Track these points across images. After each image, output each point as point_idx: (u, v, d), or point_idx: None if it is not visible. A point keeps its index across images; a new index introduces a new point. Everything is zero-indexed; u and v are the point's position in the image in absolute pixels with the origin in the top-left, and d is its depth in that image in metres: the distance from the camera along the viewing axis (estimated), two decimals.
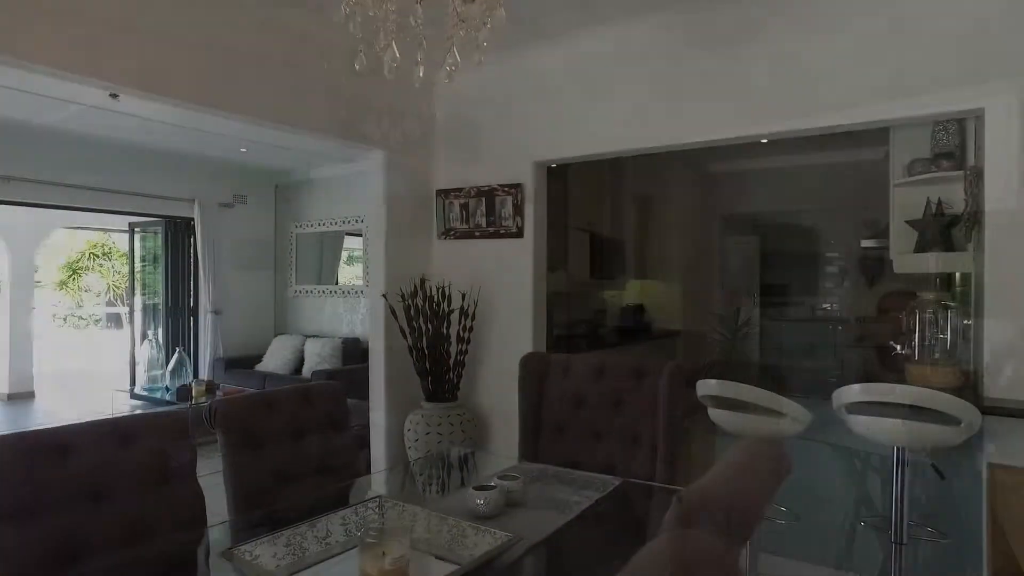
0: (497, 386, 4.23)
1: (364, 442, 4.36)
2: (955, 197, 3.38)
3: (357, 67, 1.94)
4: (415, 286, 4.12)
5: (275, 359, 7.29)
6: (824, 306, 9.22)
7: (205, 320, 7.33)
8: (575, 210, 5.40)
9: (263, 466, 2.16)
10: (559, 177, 5.32)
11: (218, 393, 5.69)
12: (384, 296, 4.12)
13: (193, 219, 7.20)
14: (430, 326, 4.00)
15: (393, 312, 4.06)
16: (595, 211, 5.69)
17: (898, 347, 3.26)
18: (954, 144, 3.36)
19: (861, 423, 2.68)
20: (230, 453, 2.10)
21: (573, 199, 5.38)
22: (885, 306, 6.68)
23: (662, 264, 6.77)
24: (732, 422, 2.97)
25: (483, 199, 4.27)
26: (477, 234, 4.32)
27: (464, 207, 4.36)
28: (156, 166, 6.92)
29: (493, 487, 1.91)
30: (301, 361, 7.22)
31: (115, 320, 10.71)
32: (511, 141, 4.20)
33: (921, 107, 2.97)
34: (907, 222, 3.50)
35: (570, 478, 2.30)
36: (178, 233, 7.28)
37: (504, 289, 4.22)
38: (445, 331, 4.08)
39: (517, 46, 4.07)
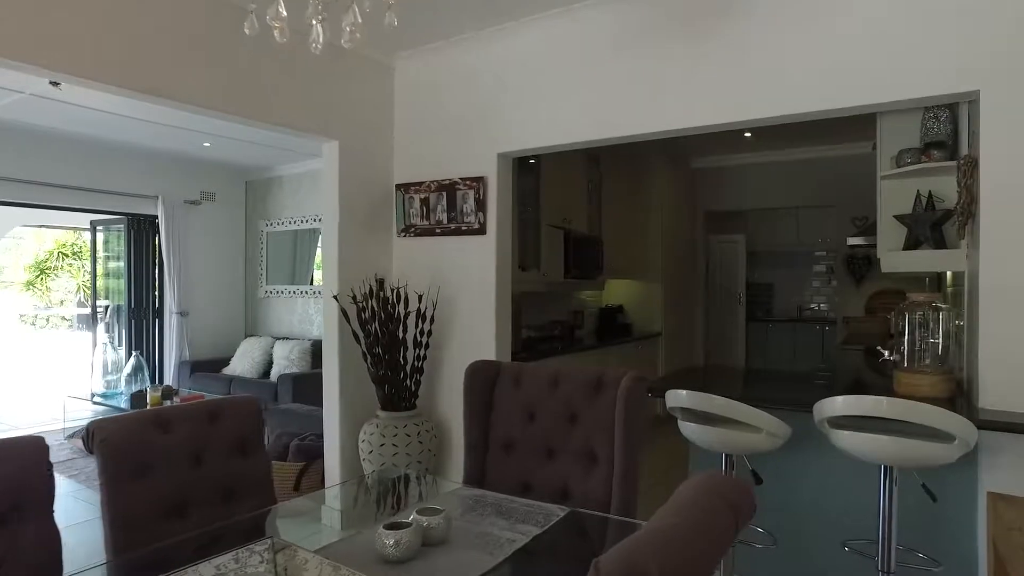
0: (459, 394, 3.90)
1: (317, 453, 4.04)
2: (947, 190, 3.09)
3: (247, 31, 1.62)
4: (371, 287, 3.80)
5: (243, 362, 6.96)
6: (811, 306, 8.95)
7: (170, 322, 6.99)
8: (549, 206, 5.09)
9: (150, 497, 1.84)
10: (531, 172, 5.01)
11: (175, 399, 5.36)
12: (335, 297, 3.80)
13: (157, 217, 6.85)
14: (384, 330, 3.68)
15: (345, 315, 3.74)
16: (571, 208, 5.39)
17: (886, 352, 2.96)
18: (946, 133, 3.06)
19: (845, 439, 2.37)
20: (109, 482, 1.78)
21: (547, 195, 5.07)
22: (873, 306, 6.41)
23: (643, 263, 6.47)
24: (704, 437, 2.66)
25: (444, 193, 3.96)
26: (438, 231, 4.01)
27: (424, 202, 4.05)
28: (118, 162, 6.57)
29: (408, 524, 1.60)
30: (270, 364, 6.89)
31: (86, 321, 10.33)
32: (474, 131, 3.88)
33: (911, 90, 2.67)
34: (896, 217, 3.20)
35: (510, 507, 1.99)
36: (142, 231, 6.94)
37: (466, 290, 3.90)
38: (401, 335, 3.76)
39: (480, 30, 3.75)
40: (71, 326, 9.85)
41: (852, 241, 5.08)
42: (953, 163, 2.91)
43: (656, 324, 6.38)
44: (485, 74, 3.82)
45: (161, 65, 3.02)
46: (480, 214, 3.82)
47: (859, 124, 5.43)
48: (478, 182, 3.81)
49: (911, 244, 3.12)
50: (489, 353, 3.78)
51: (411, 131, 4.16)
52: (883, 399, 2.25)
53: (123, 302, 6.94)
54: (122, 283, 6.99)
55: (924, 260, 3.04)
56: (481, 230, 3.83)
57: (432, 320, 3.83)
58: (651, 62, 3.27)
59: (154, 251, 7.03)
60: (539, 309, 5.56)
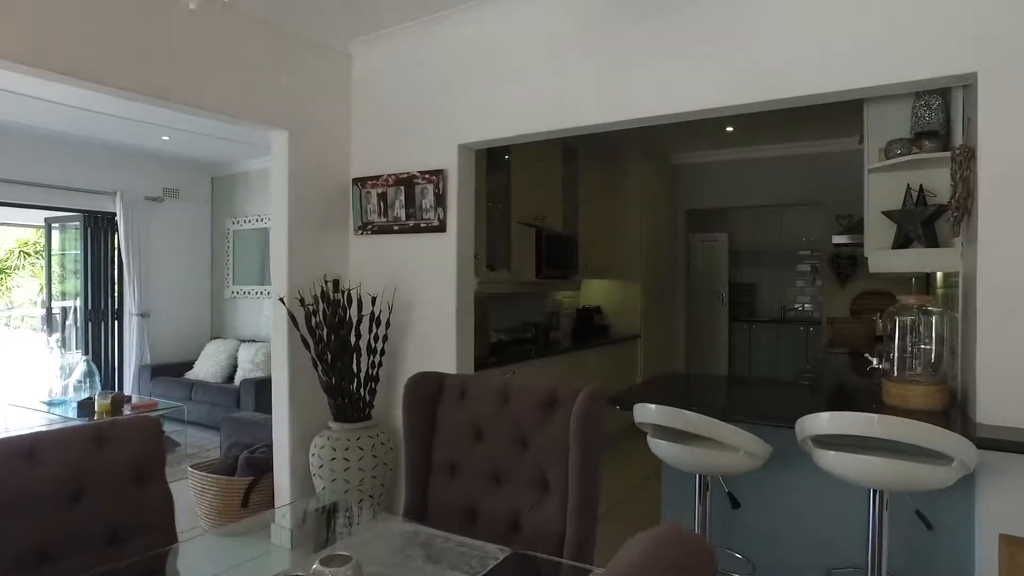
0: None
1: (268, 466, 3.73)
2: (940, 184, 2.83)
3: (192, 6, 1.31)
4: (323, 288, 3.49)
5: (207, 366, 6.63)
6: (795, 307, 8.71)
7: (131, 324, 6.64)
8: (521, 203, 4.80)
9: (11, 544, 1.53)
10: (501, 167, 4.72)
11: (126, 409, 5.03)
12: (281, 300, 3.49)
13: (116, 214, 6.50)
14: (334, 335, 3.37)
15: (293, 319, 3.43)
16: (545, 205, 5.10)
17: (874, 360, 2.70)
18: (938, 121, 2.80)
19: (831, 461, 2.10)
20: None
21: (519, 191, 4.78)
22: (858, 308, 6.17)
23: (622, 262, 6.20)
24: (675, 456, 2.38)
25: (402, 188, 3.66)
26: (396, 228, 3.71)
27: (382, 198, 3.75)
28: (73, 156, 6.22)
29: None
30: (235, 368, 6.56)
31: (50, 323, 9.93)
32: (433, 121, 3.59)
33: (902, 72, 2.41)
34: (884, 213, 2.94)
35: (443, 549, 1.70)
36: (100, 229, 6.58)
37: (425, 292, 3.61)
38: (354, 341, 3.46)
39: (441, 14, 3.46)
40: (34, 328, 9.41)
41: (837, 240, 4.83)
42: (946, 154, 2.64)
43: (635, 326, 6.11)
44: (445, 61, 3.53)
45: (75, 43, 2.70)
46: (440, 210, 3.53)
47: (845, 117, 5.18)
48: (437, 176, 3.52)
49: (901, 242, 2.86)
50: (449, 360, 3.49)
51: (370, 122, 3.86)
52: (874, 417, 1.98)
53: (80, 303, 6.58)
54: (79, 283, 6.63)
55: (915, 259, 2.77)
56: (441, 227, 3.54)
57: (388, 325, 3.53)
58: (620, 45, 2.99)
59: (113, 250, 6.68)
60: (511, 311, 5.27)
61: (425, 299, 3.60)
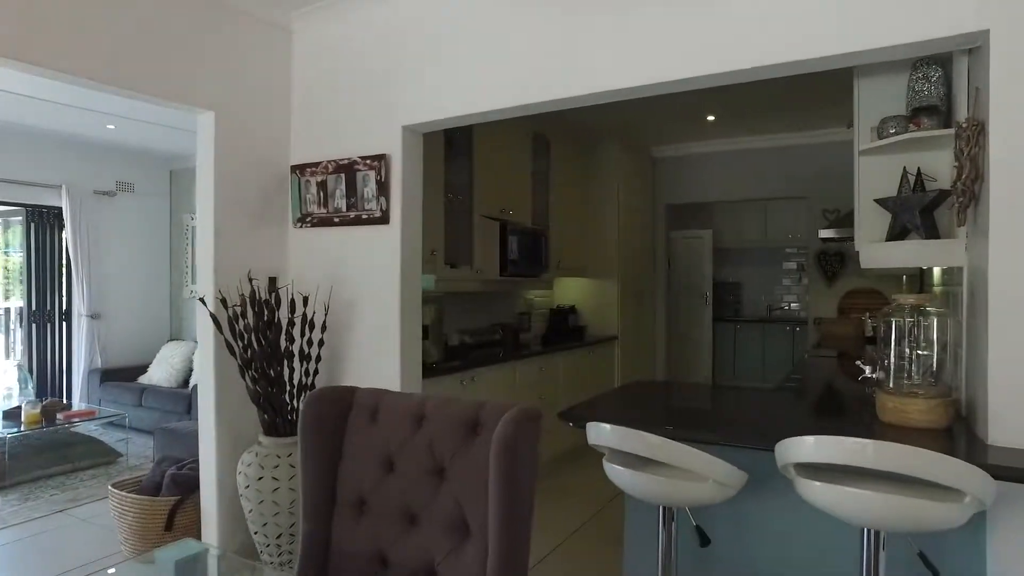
0: None
1: (197, 484, 3.32)
2: (941, 167, 2.46)
3: None
4: (252, 287, 3.09)
5: (161, 370, 6.19)
6: (781, 306, 8.36)
7: (79, 325, 6.20)
8: (485, 195, 4.41)
9: None
10: (463, 156, 4.33)
11: (60, 417, 4.60)
12: (202, 300, 3.08)
13: (62, 208, 6.06)
14: (262, 339, 2.97)
15: (216, 322, 3.02)
16: (512, 197, 4.71)
17: (867, 369, 2.32)
18: (938, 96, 2.42)
19: (818, 494, 1.72)
20: None
21: (482, 182, 4.39)
22: (846, 307, 5.81)
23: (597, 259, 5.81)
24: (635, 484, 2.00)
25: (342, 176, 3.26)
26: (336, 220, 3.31)
27: (322, 186, 3.35)
28: (13, 146, 5.77)
29: None
30: (191, 371, 6.13)
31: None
32: (376, 101, 3.20)
33: (899, 33, 2.03)
34: (877, 201, 2.56)
35: None
36: (44, 224, 6.14)
37: (368, 290, 3.21)
38: (286, 345, 3.06)
39: None
40: None
41: (824, 234, 4.46)
42: (949, 131, 2.27)
43: (612, 327, 5.73)
44: (391, 34, 3.14)
45: (8, 23, 2.29)
46: (382, 199, 3.13)
47: (832, 104, 4.83)
48: (379, 161, 3.12)
49: (896, 234, 2.48)
50: (393, 366, 3.10)
51: (312, 104, 3.45)
52: (868, 444, 1.60)
53: (23, 303, 6.13)
54: (22, 281, 6.18)
55: (913, 253, 2.40)
56: (383, 219, 3.14)
57: (324, 328, 3.14)
58: (575, 15, 2.60)
59: (60, 247, 6.23)
60: (477, 311, 4.88)
61: (368, 298, 3.21)
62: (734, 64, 2.30)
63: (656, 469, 1.96)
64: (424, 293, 3.73)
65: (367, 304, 3.21)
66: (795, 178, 5.93)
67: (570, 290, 5.92)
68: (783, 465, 1.82)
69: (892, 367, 2.28)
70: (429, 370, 3.50)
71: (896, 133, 2.43)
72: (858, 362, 2.36)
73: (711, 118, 5.34)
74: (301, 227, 3.45)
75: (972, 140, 2.00)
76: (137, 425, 5.55)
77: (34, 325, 6.11)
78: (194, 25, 3.05)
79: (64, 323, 6.27)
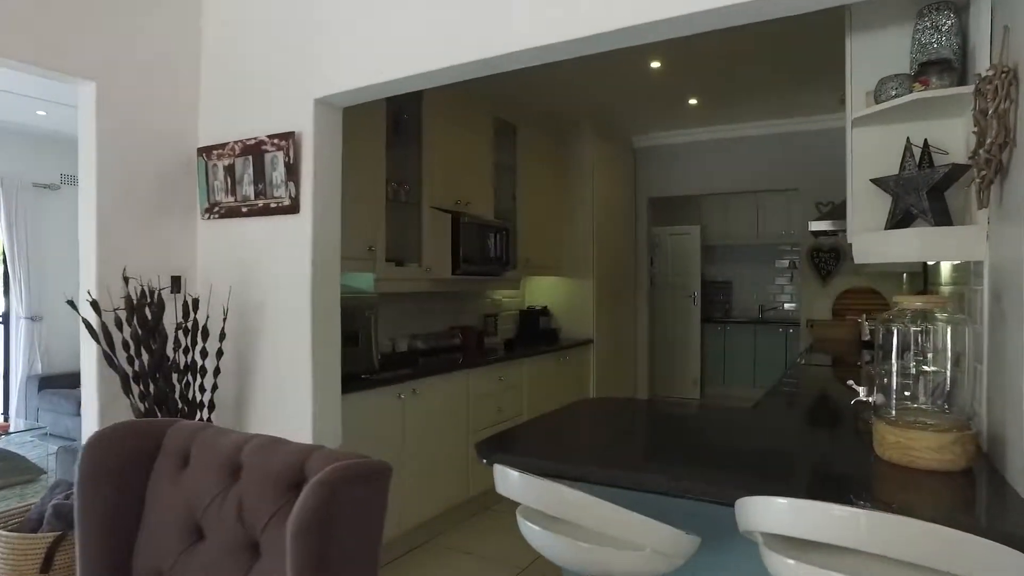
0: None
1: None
2: (952, 136, 1.96)
3: None
4: (144, 288, 2.60)
5: None
6: (774, 306, 7.85)
7: (17, 328, 5.71)
8: (436, 184, 3.91)
9: None
10: (412, 141, 3.83)
11: None
12: (70, 303, 2.59)
13: None
14: (146, 350, 2.48)
15: (90, 329, 2.53)
16: (470, 187, 4.21)
17: (860, 390, 1.82)
18: (951, 48, 1.92)
19: (792, 574, 1.22)
20: None
21: (433, 169, 3.89)
22: (841, 308, 5.31)
23: (571, 257, 5.31)
24: (553, 549, 1.50)
25: (250, 158, 2.76)
26: (244, 210, 2.82)
27: (229, 171, 2.85)
28: None
29: None
30: None
31: None
32: (285, 71, 2.70)
33: None
34: (873, 182, 2.06)
35: None
36: None
37: (278, 292, 2.72)
38: (173, 355, 2.57)
39: None
40: None
41: (815, 226, 3.95)
42: (966, 89, 1.76)
43: (587, 329, 5.22)
44: None
45: None
46: (291, 185, 2.63)
47: (824, 85, 4.33)
48: (287, 140, 2.62)
49: (897, 221, 1.98)
50: (303, 379, 2.61)
51: (221, 76, 2.96)
52: (860, 516, 1.10)
53: None
54: None
55: (918, 244, 1.89)
56: (293, 207, 2.65)
57: (223, 336, 2.64)
58: None
59: None
60: (432, 313, 4.38)
61: (278, 301, 2.71)
62: (689, 6, 1.80)
63: (579, 532, 1.47)
64: (362, 295, 3.24)
65: (277, 307, 2.71)
66: (786, 168, 5.42)
67: (542, 290, 5.42)
68: (745, 530, 1.33)
69: (893, 388, 1.79)
70: (358, 382, 3.01)
71: (898, 95, 1.93)
72: (850, 382, 1.86)
73: (693, 101, 4.83)
74: (209, 218, 2.96)
75: (1000, 93, 1.50)
76: (78, 436, 5.06)
77: None
78: None
79: (1, 326, 5.78)
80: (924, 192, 1.89)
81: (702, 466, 1.68)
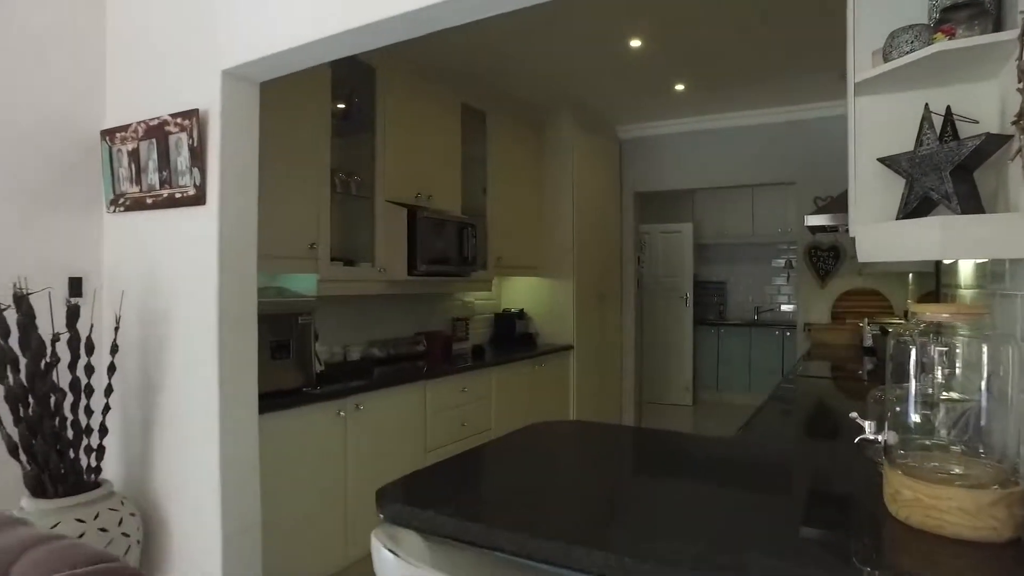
0: (180, 462, 2.32)
1: None
2: (983, 102, 1.54)
3: None
4: (22, 292, 2.18)
5: None
6: (770, 308, 7.43)
7: None
8: (392, 176, 3.49)
9: None
10: (364, 128, 3.42)
11: None
12: None
13: None
14: (11, 368, 2.07)
15: None
16: (433, 179, 3.79)
17: (866, 426, 1.41)
18: None
19: None
20: None
21: (389, 159, 3.48)
22: (841, 312, 4.89)
23: (550, 256, 4.89)
24: None
25: (154, 141, 2.35)
26: (150, 201, 2.41)
27: (134, 156, 2.44)
28: None
29: None
30: None
31: None
32: (185, 38, 2.29)
33: None
34: (882, 162, 1.64)
35: None
36: None
37: (183, 297, 2.31)
38: (53, 373, 2.16)
39: None
40: None
41: (812, 220, 3.53)
42: (1008, 35, 1.34)
43: (567, 333, 4.81)
44: None
45: None
46: (196, 172, 2.22)
47: (821, 66, 3.90)
48: (190, 120, 2.21)
49: (913, 209, 1.56)
50: (210, 399, 2.19)
51: (127, 47, 2.55)
52: None
53: None
54: None
55: (939, 237, 1.46)
56: (198, 198, 2.23)
57: (115, 349, 2.24)
58: None
59: None
60: (395, 318, 3.96)
61: (183, 308, 2.30)
62: None
63: None
64: (297, 299, 2.84)
65: (182, 314, 2.30)
66: (781, 161, 5.00)
67: (520, 292, 5.01)
68: None
69: (908, 424, 1.37)
70: (289, 398, 2.60)
71: (914, 49, 1.51)
72: (853, 415, 1.44)
73: (680, 87, 4.41)
74: (115, 211, 2.55)
75: None
76: None
77: None
78: None
79: None
80: (947, 172, 1.47)
81: (660, 536, 1.26)
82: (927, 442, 1.39)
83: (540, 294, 4.92)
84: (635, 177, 5.60)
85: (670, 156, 5.44)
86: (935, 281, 2.90)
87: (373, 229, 3.39)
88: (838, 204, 3.52)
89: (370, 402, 2.98)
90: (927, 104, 1.55)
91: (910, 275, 4.20)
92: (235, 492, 2.22)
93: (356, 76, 3.36)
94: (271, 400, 2.54)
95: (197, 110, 2.19)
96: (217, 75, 2.20)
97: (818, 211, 3.71)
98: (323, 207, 3.09)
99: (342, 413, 2.82)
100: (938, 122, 1.53)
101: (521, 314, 4.79)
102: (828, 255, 4.95)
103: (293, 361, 2.76)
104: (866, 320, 4.35)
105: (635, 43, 3.59)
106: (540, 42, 3.59)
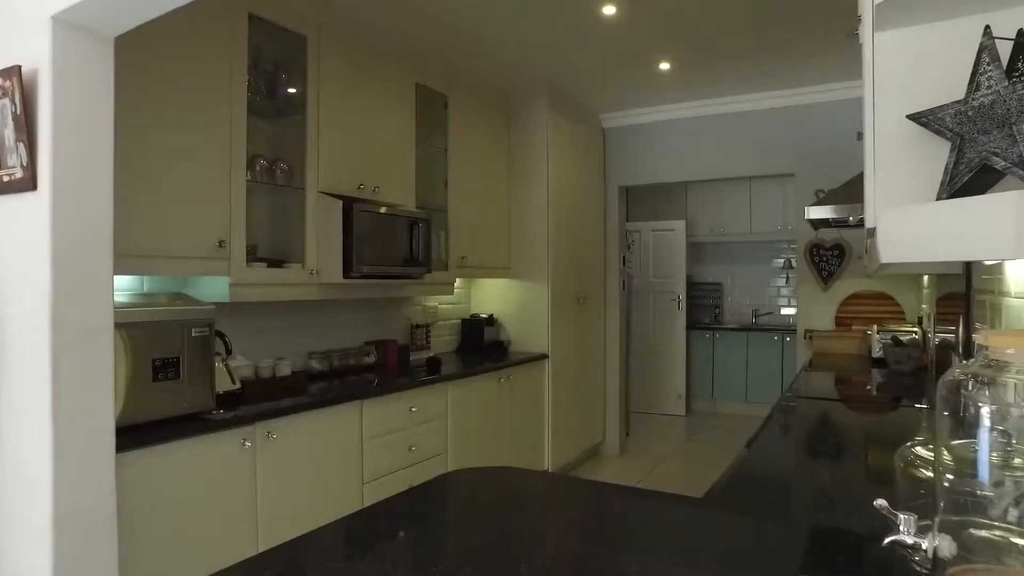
0: (35, 497, 1.82)
1: None
2: None
3: None
4: None
5: None
6: (769, 311, 6.89)
7: None
8: (328, 165, 2.98)
9: None
10: (294, 109, 2.92)
11: None
12: None
13: None
14: None
15: None
16: (381, 168, 3.28)
17: (901, 522, 0.88)
18: None
19: None
20: None
21: (325, 145, 2.97)
22: (846, 317, 4.36)
23: (522, 256, 4.37)
24: None
25: None
26: None
27: None
28: None
29: None
30: None
31: None
32: None
33: None
34: (913, 119, 1.11)
35: None
36: None
37: (10, 308, 1.80)
38: None
39: None
40: None
41: (814, 212, 2.98)
42: None
43: (540, 342, 4.28)
44: None
45: None
46: (22, 148, 1.71)
47: (821, 43, 3.38)
48: (10, 80, 1.70)
49: (963, 185, 1.03)
50: (42, 432, 1.69)
51: None
52: None
53: None
54: None
55: (1017, 222, 0.93)
56: (28, 183, 1.72)
57: None
58: None
59: None
60: (343, 325, 3.46)
61: (14, 319, 1.79)
62: None
63: None
64: (192, 308, 2.33)
65: (14, 328, 1.79)
66: (780, 150, 4.46)
67: (491, 295, 4.49)
68: None
69: (960, 519, 0.86)
70: (178, 426, 2.09)
71: None
72: (881, 503, 0.92)
73: (665, 66, 3.88)
74: None
75: None
76: None
77: None
78: None
79: None
80: (1021, 126, 0.95)
81: None
82: (987, 535, 0.88)
83: (512, 298, 4.40)
84: (621, 170, 5.07)
85: (659, 146, 4.91)
86: (965, 284, 2.36)
87: (303, 224, 2.88)
88: (844, 193, 2.99)
89: (287, 427, 2.47)
90: (987, 28, 1.02)
91: (925, 276, 3.66)
92: (76, 566, 1.71)
93: (282, 46, 2.86)
94: (149, 432, 2.04)
95: (20, 67, 1.68)
96: (45, 22, 1.69)
97: (820, 202, 3.17)
98: (237, 198, 2.58)
99: (247, 443, 2.31)
100: (1006, 51, 1.00)
101: (491, 320, 4.27)
102: (831, 254, 4.41)
103: (186, 382, 2.25)
104: (875, 327, 3.81)
105: (608, 9, 3.06)
106: (502, 9, 3.07)
